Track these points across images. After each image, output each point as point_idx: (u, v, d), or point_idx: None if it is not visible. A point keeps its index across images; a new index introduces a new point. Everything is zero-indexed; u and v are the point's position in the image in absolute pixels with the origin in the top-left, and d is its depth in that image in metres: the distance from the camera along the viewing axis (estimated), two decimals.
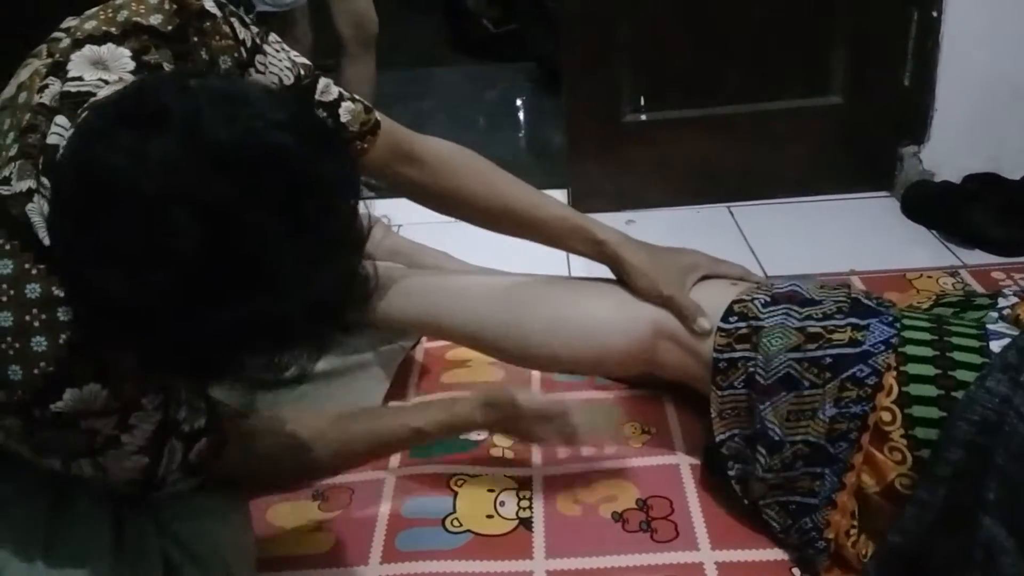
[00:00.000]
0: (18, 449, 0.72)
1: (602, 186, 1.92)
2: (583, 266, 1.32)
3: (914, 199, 1.86)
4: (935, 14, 1.77)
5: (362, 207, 0.68)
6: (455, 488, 1.15)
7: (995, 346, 0.95)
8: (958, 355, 0.96)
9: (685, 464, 1.19)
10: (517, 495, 1.15)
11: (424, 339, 1.43)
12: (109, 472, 0.75)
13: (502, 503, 1.13)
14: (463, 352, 1.38)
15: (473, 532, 1.09)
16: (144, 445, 0.75)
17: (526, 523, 1.10)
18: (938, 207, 1.81)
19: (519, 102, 2.85)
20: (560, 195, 1.94)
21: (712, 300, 1.12)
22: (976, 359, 0.94)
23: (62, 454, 0.72)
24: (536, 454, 1.22)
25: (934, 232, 1.80)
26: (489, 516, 1.11)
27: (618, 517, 1.11)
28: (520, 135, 2.54)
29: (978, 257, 1.70)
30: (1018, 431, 0.85)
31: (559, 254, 1.24)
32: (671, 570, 1.03)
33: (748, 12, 1.80)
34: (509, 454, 1.22)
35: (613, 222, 1.82)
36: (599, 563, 1.05)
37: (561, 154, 2.00)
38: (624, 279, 1.15)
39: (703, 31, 1.82)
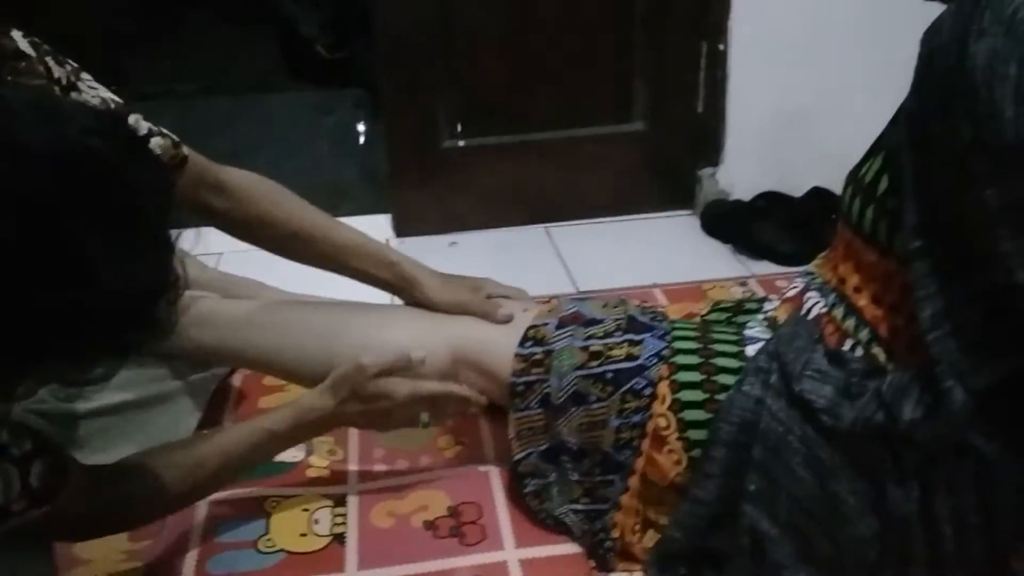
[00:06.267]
0: None
1: (424, 210, 1.99)
2: None
3: (711, 217, 2.02)
4: (721, 47, 1.94)
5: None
6: (269, 510, 1.18)
7: (750, 350, 1.04)
8: (720, 361, 1.05)
9: (495, 471, 1.26)
10: (332, 512, 1.19)
11: None
12: None
13: (316, 521, 1.17)
14: None
15: (286, 551, 1.12)
16: None
17: (339, 538, 1.14)
18: (732, 223, 1.98)
19: (350, 128, 2.88)
20: (384, 220, 2.00)
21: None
22: (735, 364, 1.04)
23: None
24: (352, 472, 1.27)
25: (729, 246, 1.96)
26: (303, 534, 1.15)
27: (429, 525, 1.17)
28: (349, 161, 2.57)
29: (766, 268, 1.86)
30: (771, 428, 0.94)
31: None
32: (477, 570, 1.10)
33: (558, 46, 1.92)
34: (325, 473, 1.26)
35: (436, 245, 1.95)
36: (409, 570, 1.10)
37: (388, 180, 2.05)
38: (420, 297, 1.21)
39: (515, 63, 1.92)
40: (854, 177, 0.93)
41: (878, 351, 0.91)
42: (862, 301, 0.93)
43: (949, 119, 0.74)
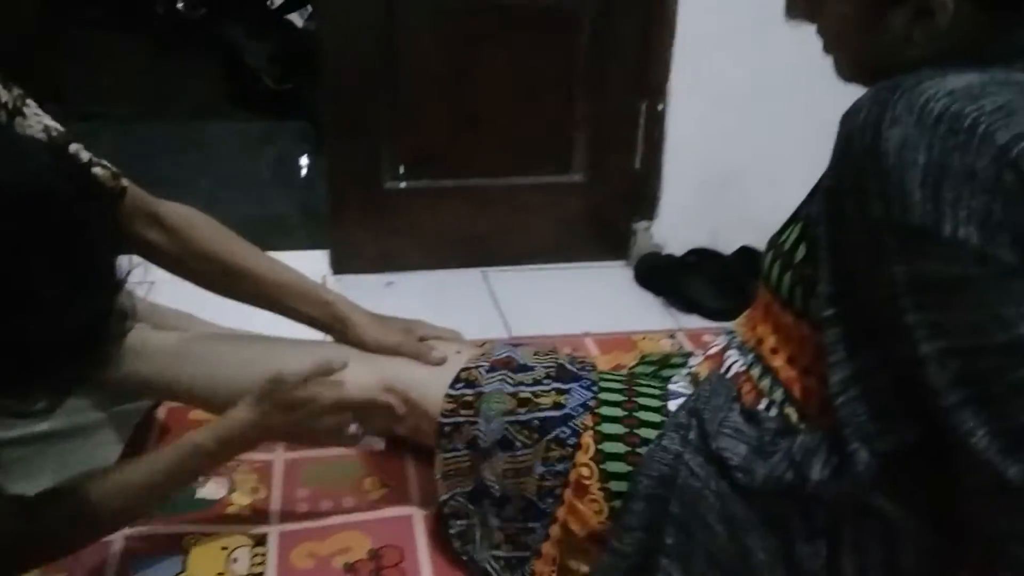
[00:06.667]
0: None
1: (363, 249, 2.00)
2: None
3: (644, 269, 2.07)
4: (660, 107, 2.00)
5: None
6: (187, 547, 1.17)
7: (672, 405, 1.07)
8: (643, 415, 1.08)
9: (419, 516, 1.27)
10: (251, 551, 1.17)
11: None
12: None
13: (235, 560, 1.16)
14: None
15: None
16: None
17: None
18: (664, 277, 2.03)
19: (294, 161, 2.88)
20: (322, 256, 2.00)
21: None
22: (657, 418, 1.06)
23: None
24: (274, 511, 1.26)
25: (661, 299, 2.01)
26: (220, 573, 1.13)
27: (349, 567, 1.16)
28: (290, 194, 2.57)
29: (694, 322, 1.92)
30: (689, 483, 0.97)
31: None
32: None
33: (502, 95, 1.96)
34: (246, 511, 1.25)
35: (373, 284, 1.95)
36: None
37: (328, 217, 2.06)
38: (352, 337, 1.22)
39: (460, 109, 1.96)
40: (774, 243, 0.98)
41: (791, 411, 0.95)
42: (777, 362, 0.97)
43: (862, 197, 0.79)
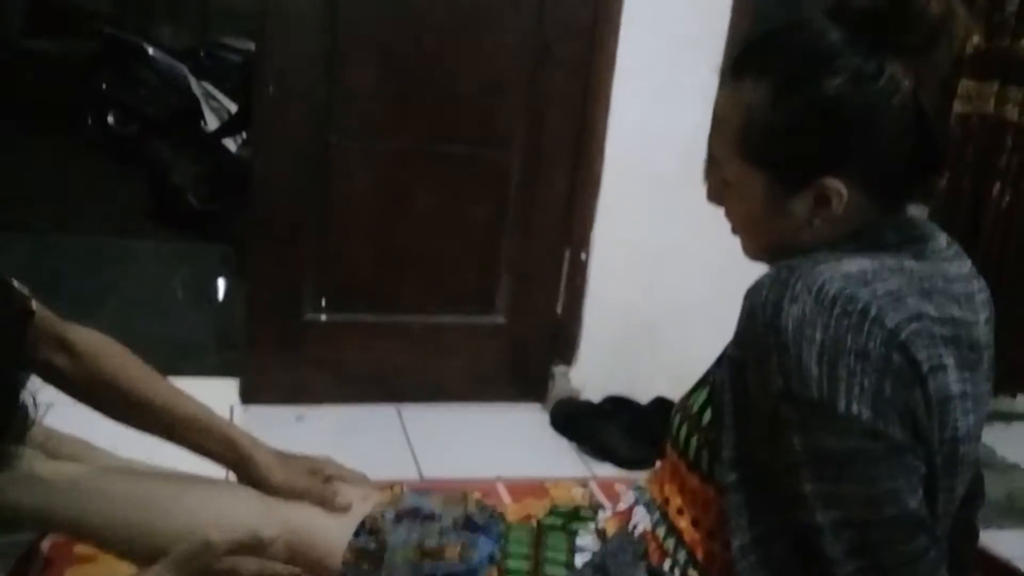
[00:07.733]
0: None
1: (276, 379, 1.97)
2: None
3: (560, 414, 2.09)
4: (583, 256, 2.08)
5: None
6: None
7: (578, 560, 1.07)
8: (549, 569, 1.07)
9: None
10: None
11: None
12: None
13: None
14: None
15: None
16: None
17: None
18: (579, 423, 2.05)
19: (211, 284, 2.85)
20: (232, 384, 1.96)
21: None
22: (563, 573, 1.06)
23: None
24: None
25: (575, 444, 2.02)
26: None
27: None
28: (204, 318, 2.53)
29: (607, 470, 1.93)
30: None
31: None
32: None
33: (430, 235, 2.02)
34: None
35: (282, 417, 1.91)
36: None
37: (242, 343, 2.03)
38: (256, 477, 1.18)
39: (387, 247, 2.00)
40: (683, 405, 1.00)
41: (693, 574, 0.95)
42: (683, 523, 0.98)
43: (764, 369, 0.83)
